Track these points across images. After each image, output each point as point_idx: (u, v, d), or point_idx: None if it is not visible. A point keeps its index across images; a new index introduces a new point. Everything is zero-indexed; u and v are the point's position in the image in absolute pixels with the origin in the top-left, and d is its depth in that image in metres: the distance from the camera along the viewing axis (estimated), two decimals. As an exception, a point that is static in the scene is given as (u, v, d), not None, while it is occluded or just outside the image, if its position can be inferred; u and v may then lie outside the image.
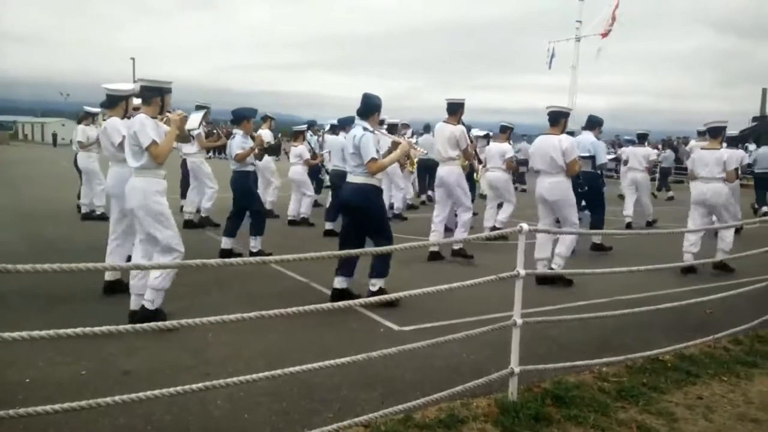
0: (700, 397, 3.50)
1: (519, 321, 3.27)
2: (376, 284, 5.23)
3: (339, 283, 5.25)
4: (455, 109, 7.08)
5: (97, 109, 9.26)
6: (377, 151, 5.12)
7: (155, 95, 4.48)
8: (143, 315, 4.18)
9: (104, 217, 8.75)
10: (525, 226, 3.27)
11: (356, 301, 3.53)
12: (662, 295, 5.58)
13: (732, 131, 8.76)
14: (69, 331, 2.21)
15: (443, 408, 3.15)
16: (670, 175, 18.27)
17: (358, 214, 5.23)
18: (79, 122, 10.00)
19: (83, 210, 9.72)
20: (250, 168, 7.19)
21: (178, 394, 2.46)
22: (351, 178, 5.25)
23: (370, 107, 5.32)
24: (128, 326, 2.38)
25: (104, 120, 6.06)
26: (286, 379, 3.07)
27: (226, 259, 2.58)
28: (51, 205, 10.73)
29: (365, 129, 5.15)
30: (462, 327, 4.21)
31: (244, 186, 7.06)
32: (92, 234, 7.59)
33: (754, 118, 27.36)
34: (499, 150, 9.01)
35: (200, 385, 2.49)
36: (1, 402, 2.98)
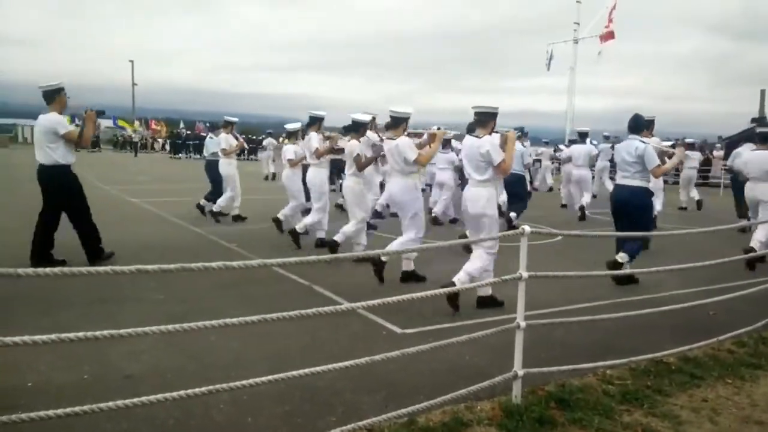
0: (705, 399, 3.48)
1: (522, 323, 3.25)
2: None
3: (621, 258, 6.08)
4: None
5: (236, 119, 10.50)
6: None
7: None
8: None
9: (241, 218, 10.25)
10: (527, 228, 3.26)
11: (359, 303, 3.50)
12: (665, 296, 5.57)
13: (730, 133, 8.78)
14: (71, 335, 2.19)
15: (447, 411, 3.14)
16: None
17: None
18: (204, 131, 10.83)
19: (234, 212, 10.33)
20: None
21: (181, 398, 2.44)
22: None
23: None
24: (130, 330, 2.36)
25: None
26: (289, 383, 3.05)
27: (228, 263, 2.56)
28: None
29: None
30: (465, 329, 4.19)
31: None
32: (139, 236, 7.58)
33: (753, 120, 27.35)
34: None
35: (203, 389, 2.48)
36: (3, 407, 2.97)
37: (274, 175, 19.80)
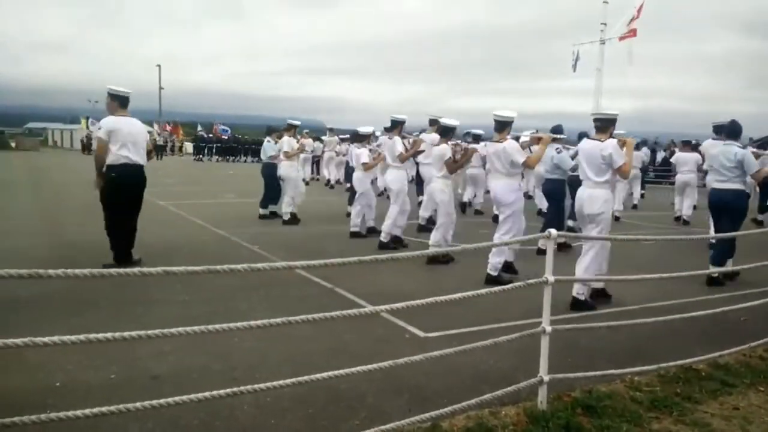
0: (736, 407, 3.40)
1: (548, 328, 3.20)
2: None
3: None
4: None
5: (298, 122, 10.84)
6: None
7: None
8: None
9: (296, 220, 10.35)
10: (554, 231, 3.21)
11: (382, 307, 3.49)
12: (694, 302, 5.45)
13: (763, 134, 8.50)
14: (99, 335, 2.22)
15: (471, 416, 3.11)
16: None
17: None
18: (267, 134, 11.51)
19: (285, 218, 10.34)
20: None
21: (206, 400, 2.46)
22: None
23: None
24: (157, 331, 2.39)
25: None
26: (313, 385, 3.04)
27: (253, 264, 2.57)
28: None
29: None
30: (488, 334, 4.16)
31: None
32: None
33: (787, 120, 26.70)
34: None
35: (228, 390, 2.49)
36: (31, 406, 3.03)
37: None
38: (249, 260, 4.44)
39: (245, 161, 36.37)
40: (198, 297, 5.34)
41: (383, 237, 8.16)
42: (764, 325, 4.61)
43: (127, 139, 6.29)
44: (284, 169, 10.34)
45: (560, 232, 3.31)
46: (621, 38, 25.90)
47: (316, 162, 20.99)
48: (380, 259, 2.91)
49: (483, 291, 3.13)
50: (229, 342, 4.09)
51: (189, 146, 43.92)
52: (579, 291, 5.36)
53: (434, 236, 7.07)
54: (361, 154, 9.05)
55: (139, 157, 6.40)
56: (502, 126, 6.38)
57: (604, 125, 5.55)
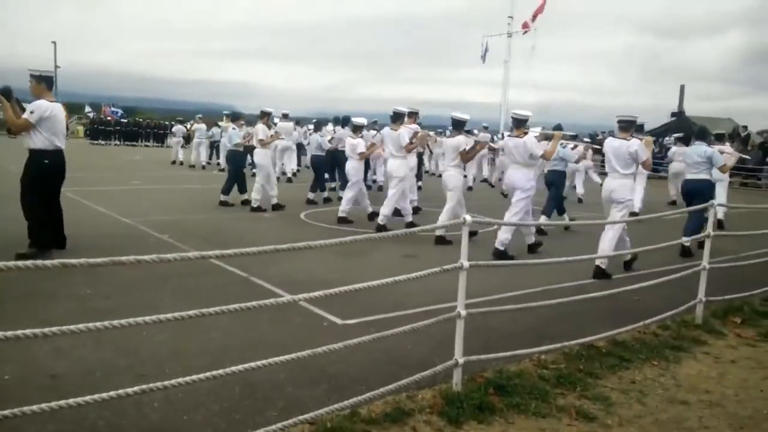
0: (633, 381, 3.66)
1: (463, 312, 3.29)
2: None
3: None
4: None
5: (271, 109, 11.03)
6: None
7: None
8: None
9: (280, 206, 10.46)
10: (468, 218, 3.29)
11: (300, 295, 3.44)
12: (594, 283, 5.81)
13: (654, 126, 9.46)
14: (-11, 335, 2.03)
15: (389, 401, 3.15)
16: None
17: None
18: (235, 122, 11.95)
19: (254, 204, 10.30)
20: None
21: (112, 399, 2.32)
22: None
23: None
24: (55, 328, 2.22)
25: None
26: (228, 379, 2.95)
27: (163, 255, 2.45)
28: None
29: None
30: (405, 319, 4.22)
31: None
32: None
33: (673, 114, 28.91)
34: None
35: (135, 388, 2.36)
36: None
37: (182, 162, 20.54)
38: (158, 250, 4.25)
39: (146, 146, 35.05)
40: (102, 290, 5.04)
41: (381, 220, 8.60)
42: (656, 304, 4.98)
43: (58, 126, 6.22)
44: (259, 156, 10.44)
45: (475, 219, 3.39)
46: (523, 31, 26.94)
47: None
48: (296, 248, 2.86)
49: (401, 277, 3.16)
50: (136, 337, 3.89)
51: (80, 129, 40.96)
52: (602, 262, 6.33)
53: (442, 218, 7.85)
54: (357, 144, 9.64)
55: (63, 143, 6.37)
56: (520, 123, 7.30)
57: (627, 125, 6.58)
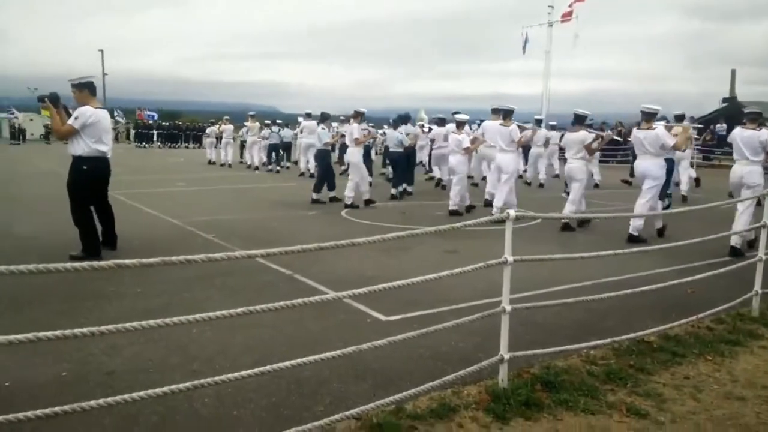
0: (686, 377, 3.54)
1: (508, 308, 3.25)
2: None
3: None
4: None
5: (365, 110, 11.40)
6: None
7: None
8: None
9: (372, 201, 10.99)
10: (512, 212, 3.24)
11: (343, 292, 3.46)
12: (644, 276, 5.64)
13: (702, 113, 9.24)
14: (49, 333, 2.13)
15: (434, 397, 3.14)
16: None
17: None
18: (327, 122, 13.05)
19: (348, 201, 10.70)
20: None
21: (164, 395, 2.39)
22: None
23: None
24: (110, 327, 2.30)
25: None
26: (275, 375, 3.01)
27: (211, 255, 2.51)
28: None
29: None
30: (448, 315, 4.20)
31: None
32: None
33: (724, 99, 27.80)
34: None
35: (187, 384, 2.43)
36: (-21, 408, 2.88)
37: (213, 161, 21.69)
38: (205, 250, 4.36)
39: (187, 147, 36.63)
40: (152, 289, 5.19)
41: (495, 211, 9.24)
42: (710, 297, 4.81)
43: (102, 132, 6.25)
44: (354, 155, 10.89)
45: (518, 212, 3.34)
46: (562, 20, 26.37)
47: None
48: (339, 245, 2.87)
49: (444, 273, 3.14)
50: (187, 334, 4.00)
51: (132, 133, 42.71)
52: (737, 242, 6.91)
53: (569, 208, 8.59)
54: (462, 139, 10.25)
55: (108, 150, 6.38)
56: (650, 116, 7.91)
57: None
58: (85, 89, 6.25)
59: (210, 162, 21.76)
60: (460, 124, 10.69)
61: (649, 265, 6.07)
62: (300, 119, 18.67)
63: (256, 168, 19.22)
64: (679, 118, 13.58)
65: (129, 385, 3.11)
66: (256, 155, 19.62)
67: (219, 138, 21.73)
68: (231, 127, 21.11)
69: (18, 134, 39.00)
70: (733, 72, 29.29)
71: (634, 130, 8.34)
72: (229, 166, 20.43)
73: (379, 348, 2.99)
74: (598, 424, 2.96)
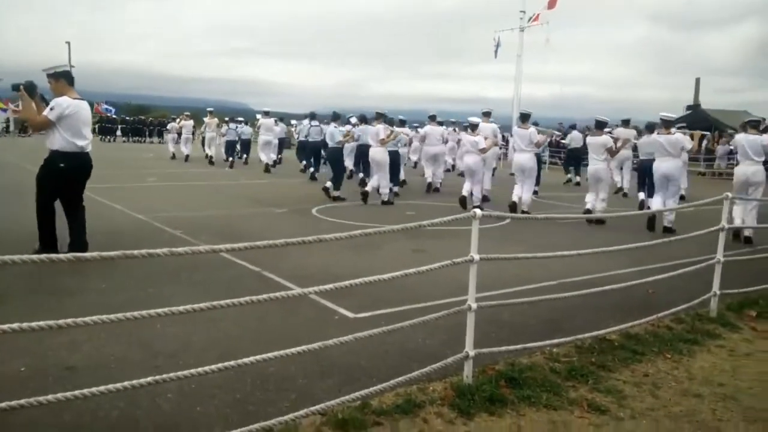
0: (646, 374, 3.63)
1: (474, 305, 3.29)
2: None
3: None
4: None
5: (385, 112, 12.11)
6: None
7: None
8: None
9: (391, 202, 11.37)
10: (478, 211, 3.28)
11: (310, 289, 3.45)
12: (607, 276, 5.76)
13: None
14: (5, 326, 2.07)
15: (400, 393, 3.16)
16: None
17: None
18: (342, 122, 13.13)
19: (384, 198, 11.29)
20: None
21: (126, 389, 2.35)
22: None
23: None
24: (69, 320, 2.25)
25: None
26: (240, 370, 2.98)
27: (174, 249, 2.47)
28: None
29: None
30: (415, 312, 4.22)
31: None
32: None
33: (688, 107, 28.57)
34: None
35: (149, 379, 2.40)
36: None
37: (174, 155, 21.91)
38: (171, 245, 4.28)
39: (152, 142, 36.44)
40: (116, 284, 5.10)
41: (523, 206, 10.21)
42: (670, 297, 4.94)
43: (81, 125, 5.87)
44: (380, 153, 11.36)
45: (485, 212, 3.38)
46: (530, 24, 26.75)
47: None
48: (306, 241, 2.87)
49: (411, 271, 3.16)
50: (150, 330, 3.93)
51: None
52: (750, 232, 8.17)
53: (600, 206, 9.60)
54: (479, 141, 10.93)
55: (87, 144, 5.99)
56: (669, 123, 9.05)
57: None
58: (62, 79, 5.86)
59: (172, 157, 21.83)
60: (474, 126, 11.34)
61: (613, 265, 6.20)
62: (258, 116, 19.78)
63: (211, 161, 19.70)
64: (626, 123, 14.66)
65: (89, 381, 3.04)
66: (213, 150, 20.37)
67: (180, 133, 22.08)
68: (191, 122, 21.72)
69: None
70: (698, 80, 30.14)
71: (655, 135, 9.31)
72: (186, 160, 20.68)
73: (346, 344, 3.00)
74: (559, 420, 3.02)
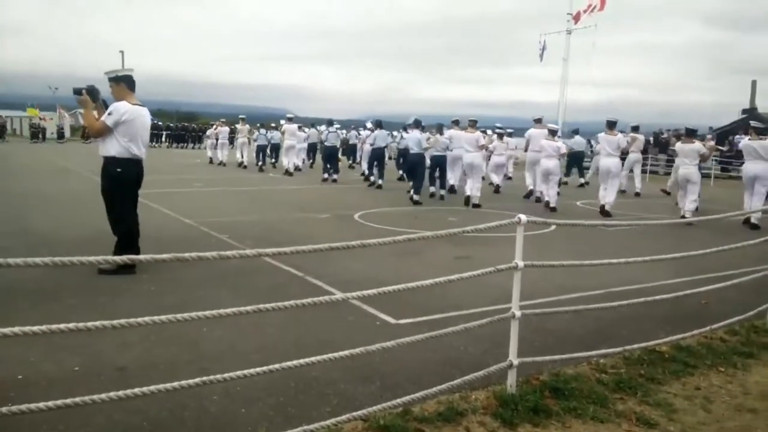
0: (698, 387, 3.50)
1: (518, 313, 3.24)
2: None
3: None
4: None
5: (476, 119, 13.14)
6: None
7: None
8: None
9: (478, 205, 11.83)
10: (523, 217, 3.23)
11: (352, 294, 3.47)
12: (657, 286, 5.58)
13: (719, 124, 10.09)
14: (62, 326, 2.16)
15: (442, 401, 3.13)
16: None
17: None
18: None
19: (475, 201, 11.96)
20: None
21: (174, 390, 2.42)
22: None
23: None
24: (122, 321, 2.33)
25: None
26: (283, 374, 3.02)
27: (222, 252, 2.53)
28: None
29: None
30: (458, 320, 4.19)
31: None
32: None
33: (744, 111, 27.46)
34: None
35: (197, 380, 2.46)
36: (-7, 399, 2.93)
37: (212, 160, 23.03)
38: (218, 249, 4.39)
39: (193, 148, 38.05)
40: (165, 287, 5.25)
41: (608, 207, 11.25)
42: (724, 308, 4.76)
43: (138, 132, 5.77)
44: (477, 158, 12.31)
45: (531, 218, 3.33)
46: (577, 23, 26.29)
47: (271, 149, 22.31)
48: (350, 246, 2.89)
49: (453, 277, 3.14)
50: (197, 332, 4.03)
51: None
52: (756, 219, 9.64)
53: (689, 207, 10.66)
54: (560, 146, 12.31)
55: (143, 153, 5.91)
56: (764, 131, 10.19)
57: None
58: (122, 83, 5.77)
59: (210, 162, 23.04)
60: (553, 132, 12.61)
61: (662, 275, 6.01)
62: (282, 122, 20.49)
63: (243, 166, 20.94)
64: (635, 129, 14.86)
65: (140, 381, 3.14)
66: (245, 154, 21.54)
67: (218, 139, 23.14)
68: (227, 128, 23.12)
69: (39, 133, 39.86)
70: (754, 83, 28.92)
71: (747, 140, 10.33)
72: (222, 165, 21.84)
73: (388, 350, 3.00)
74: (606, 433, 2.94)
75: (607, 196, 11.25)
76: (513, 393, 3.22)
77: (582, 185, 17.27)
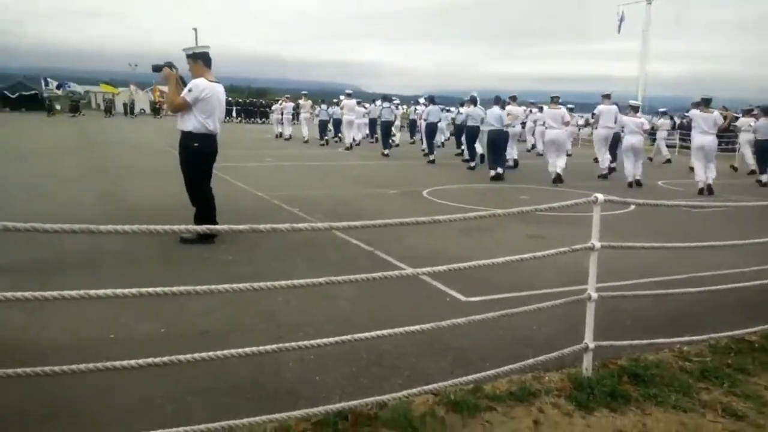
0: (791, 380, 3.28)
1: (594, 295, 3.13)
2: None
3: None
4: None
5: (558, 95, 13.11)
6: None
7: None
8: None
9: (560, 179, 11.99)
10: (600, 196, 3.10)
11: (422, 269, 3.45)
12: (743, 272, 5.25)
13: None
14: (150, 290, 2.27)
15: (514, 380, 3.09)
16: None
17: None
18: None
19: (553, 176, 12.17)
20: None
21: (253, 355, 2.50)
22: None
23: None
24: (204, 287, 2.42)
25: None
26: (356, 345, 3.07)
27: (295, 225, 2.58)
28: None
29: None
30: (530, 299, 4.11)
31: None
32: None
33: None
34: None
35: (273, 346, 2.53)
36: (89, 356, 3.13)
37: (280, 134, 23.64)
38: (291, 222, 4.49)
39: (261, 123, 39.56)
40: (242, 257, 5.43)
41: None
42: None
43: (215, 108, 5.93)
44: (561, 135, 12.50)
45: (609, 198, 3.20)
46: None
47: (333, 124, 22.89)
48: (420, 222, 2.86)
49: (526, 255, 3.07)
50: (273, 301, 4.16)
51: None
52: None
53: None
54: (643, 122, 12.44)
55: (217, 128, 6.05)
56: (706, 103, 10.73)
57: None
58: (200, 60, 5.90)
59: (277, 136, 23.78)
60: (635, 108, 12.50)
61: (750, 260, 5.64)
62: (341, 97, 21.18)
63: (306, 140, 21.65)
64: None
65: (221, 345, 3.26)
66: (307, 130, 22.20)
67: (283, 114, 23.84)
68: (291, 104, 23.63)
69: (111, 108, 42.32)
70: None
71: None
72: (287, 139, 22.56)
73: (459, 327, 2.98)
74: (690, 423, 2.81)
75: (709, 174, 11.13)
76: (589, 376, 3.13)
77: (668, 161, 17.43)
